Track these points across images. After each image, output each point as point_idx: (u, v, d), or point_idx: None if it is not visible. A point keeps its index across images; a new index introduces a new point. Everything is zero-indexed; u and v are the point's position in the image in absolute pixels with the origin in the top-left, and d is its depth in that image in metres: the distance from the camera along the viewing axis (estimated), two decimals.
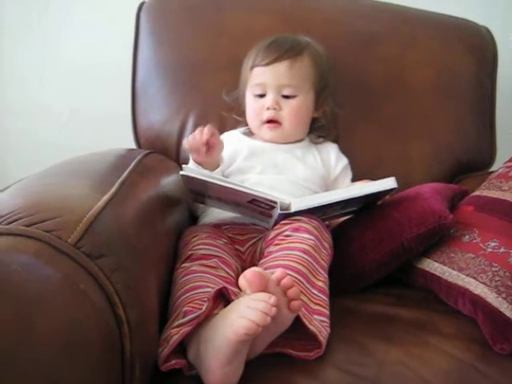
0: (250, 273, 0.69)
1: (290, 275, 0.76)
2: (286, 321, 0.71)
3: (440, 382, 0.70)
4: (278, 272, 0.71)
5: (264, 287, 0.68)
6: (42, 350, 0.54)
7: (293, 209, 0.88)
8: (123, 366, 0.60)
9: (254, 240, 0.96)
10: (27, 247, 0.57)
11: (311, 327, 0.73)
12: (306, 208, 0.89)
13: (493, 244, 0.87)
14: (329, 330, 0.76)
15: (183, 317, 0.72)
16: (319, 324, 0.75)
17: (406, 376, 0.71)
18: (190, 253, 0.86)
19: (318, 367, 0.71)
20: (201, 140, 0.97)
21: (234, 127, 1.20)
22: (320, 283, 0.81)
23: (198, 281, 0.79)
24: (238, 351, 0.66)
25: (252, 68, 1.11)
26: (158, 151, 1.19)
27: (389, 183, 0.92)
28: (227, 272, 0.84)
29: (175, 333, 0.70)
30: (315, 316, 0.76)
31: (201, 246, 0.87)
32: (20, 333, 0.53)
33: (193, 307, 0.73)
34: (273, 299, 0.66)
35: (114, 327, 0.59)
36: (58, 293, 0.56)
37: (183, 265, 0.84)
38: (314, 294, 0.79)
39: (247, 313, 0.65)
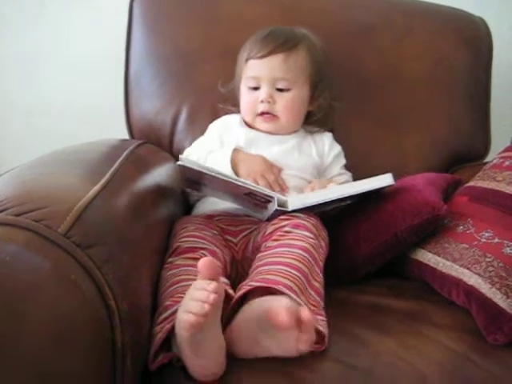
0: (202, 261, 0.66)
1: (292, 274, 0.76)
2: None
3: (434, 372, 0.70)
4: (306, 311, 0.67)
5: (216, 275, 0.66)
6: (32, 340, 0.53)
7: (290, 207, 0.88)
8: (114, 358, 0.59)
9: (247, 231, 0.96)
10: (16, 237, 0.56)
11: (319, 327, 0.72)
12: (303, 207, 0.89)
13: (487, 234, 0.87)
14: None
15: (165, 311, 0.72)
16: (322, 323, 0.75)
17: (399, 366, 0.71)
18: (176, 245, 0.86)
19: (313, 358, 0.71)
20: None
21: None
22: (317, 284, 0.81)
23: (181, 275, 0.78)
24: (195, 342, 0.65)
25: (247, 60, 1.10)
26: (151, 142, 1.18)
27: (386, 180, 0.93)
28: None
29: (159, 330, 0.70)
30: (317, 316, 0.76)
31: (187, 239, 0.87)
32: (9, 323, 0.53)
33: (173, 301, 0.73)
34: (212, 285, 0.64)
35: (105, 318, 0.58)
36: (47, 283, 0.55)
37: (169, 260, 0.83)
38: (310, 294, 0.78)
39: (189, 306, 0.64)
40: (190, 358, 0.66)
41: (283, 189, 1.02)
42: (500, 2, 1.57)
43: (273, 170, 1.03)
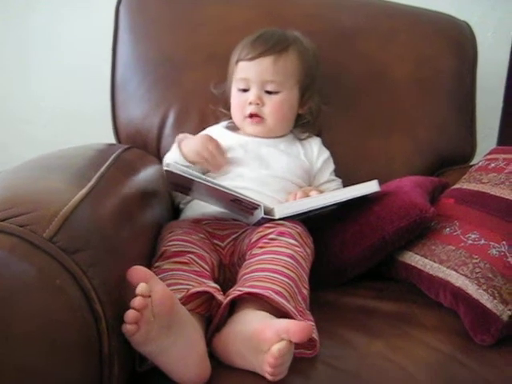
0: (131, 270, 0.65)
1: (281, 280, 0.76)
2: None
3: (421, 373, 0.70)
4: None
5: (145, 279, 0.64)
6: (17, 346, 0.52)
7: (277, 216, 0.89)
8: (101, 364, 0.59)
9: (235, 235, 0.96)
10: (1, 242, 0.55)
11: (313, 335, 0.72)
12: (290, 215, 0.89)
13: (473, 236, 0.87)
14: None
15: None
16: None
17: (386, 368, 0.71)
18: (163, 249, 0.85)
19: (300, 361, 0.70)
20: None
21: (215, 121, 1.19)
22: (305, 291, 0.81)
23: (168, 279, 0.77)
24: (150, 352, 0.65)
25: (237, 62, 1.10)
26: (138, 146, 1.18)
27: (372, 187, 0.94)
28: (201, 266, 0.83)
29: None
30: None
31: (174, 243, 0.86)
32: None
33: None
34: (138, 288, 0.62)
35: (92, 323, 0.58)
36: (33, 288, 0.54)
37: (156, 264, 0.82)
38: (298, 301, 0.78)
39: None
40: (162, 365, 0.66)
41: (220, 164, 1.05)
42: (484, 7, 1.58)
43: (208, 147, 1.03)
